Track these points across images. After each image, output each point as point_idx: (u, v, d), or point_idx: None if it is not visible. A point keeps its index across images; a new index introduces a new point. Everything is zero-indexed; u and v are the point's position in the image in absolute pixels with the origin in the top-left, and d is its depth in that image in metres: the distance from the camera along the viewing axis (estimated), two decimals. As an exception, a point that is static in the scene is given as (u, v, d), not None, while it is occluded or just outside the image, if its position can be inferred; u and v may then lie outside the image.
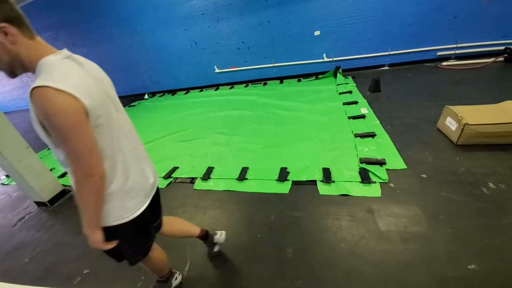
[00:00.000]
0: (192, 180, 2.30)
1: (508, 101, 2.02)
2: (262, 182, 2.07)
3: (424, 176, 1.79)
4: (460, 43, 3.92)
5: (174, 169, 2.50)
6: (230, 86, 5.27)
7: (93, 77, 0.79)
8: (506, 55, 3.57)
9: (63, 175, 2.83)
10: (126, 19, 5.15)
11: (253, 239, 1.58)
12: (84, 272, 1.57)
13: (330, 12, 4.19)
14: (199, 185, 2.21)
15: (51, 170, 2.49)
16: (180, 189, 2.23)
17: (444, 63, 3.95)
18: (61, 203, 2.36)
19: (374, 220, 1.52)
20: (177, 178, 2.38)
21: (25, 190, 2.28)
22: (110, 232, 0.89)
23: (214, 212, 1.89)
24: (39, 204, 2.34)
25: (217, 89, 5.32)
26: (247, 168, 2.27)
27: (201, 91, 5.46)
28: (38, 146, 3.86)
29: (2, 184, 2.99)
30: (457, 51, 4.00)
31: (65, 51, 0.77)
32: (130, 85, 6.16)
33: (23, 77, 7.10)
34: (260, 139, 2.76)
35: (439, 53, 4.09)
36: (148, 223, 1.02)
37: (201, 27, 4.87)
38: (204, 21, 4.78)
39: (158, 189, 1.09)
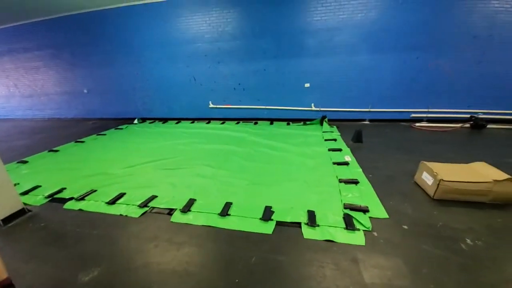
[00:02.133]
0: (170, 211, 2.16)
1: (477, 162, 2.24)
2: (245, 220, 1.98)
3: (405, 227, 1.81)
4: (431, 108, 4.46)
5: (152, 197, 2.35)
6: (222, 122, 5.42)
7: None
8: (471, 122, 4.09)
9: (27, 192, 2.57)
10: (132, 48, 5.46)
11: (230, 284, 1.43)
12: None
13: (319, 70, 4.72)
14: (177, 217, 2.07)
15: (15, 185, 2.26)
16: (155, 220, 2.07)
17: (417, 124, 4.40)
18: (17, 223, 2.07)
19: (359, 271, 1.46)
20: (153, 207, 2.23)
21: (-23, 205, 2.00)
22: None
23: (189, 249, 1.73)
24: (-10, 222, 2.04)
25: (208, 122, 5.44)
26: (231, 203, 2.19)
27: (192, 122, 5.55)
28: (7, 158, 3.58)
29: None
30: (429, 115, 4.52)
31: None
32: (122, 108, 6.18)
33: (11, 87, 6.96)
34: (247, 175, 2.74)
35: (413, 115, 4.60)
36: None
37: (203, 66, 5.23)
38: (206, 61, 5.17)
39: None
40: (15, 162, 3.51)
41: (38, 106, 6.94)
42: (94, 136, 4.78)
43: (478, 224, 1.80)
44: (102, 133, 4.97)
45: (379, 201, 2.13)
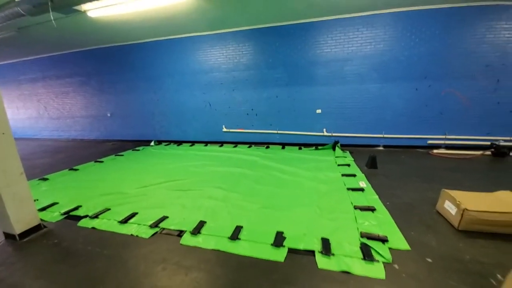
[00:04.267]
0: (180, 233, 2.13)
1: (502, 191, 2.10)
2: (256, 245, 1.91)
3: (429, 260, 1.67)
4: (448, 135, 4.35)
5: (163, 218, 2.35)
6: (234, 145, 5.52)
7: None
8: (493, 149, 3.91)
9: (45, 208, 2.65)
10: (154, 77, 5.91)
11: (239, 314, 1.35)
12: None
13: (331, 97, 4.83)
14: (186, 240, 2.03)
15: (34, 201, 2.34)
16: (164, 242, 2.04)
17: (435, 151, 4.27)
18: (32, 238, 2.12)
19: (379, 308, 1.33)
20: (164, 229, 2.21)
21: (-1, 218, 2.09)
22: None
23: (197, 274, 1.67)
24: (7, 236, 2.09)
25: (221, 145, 5.55)
26: (241, 227, 2.14)
27: (206, 145, 5.69)
28: (30, 175, 3.76)
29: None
30: (447, 142, 4.38)
31: None
32: (140, 131, 6.49)
33: (40, 109, 7.56)
34: (258, 199, 2.71)
35: (430, 141, 4.48)
36: None
37: (218, 93, 5.51)
38: (221, 89, 5.46)
39: None
40: (37, 179, 3.68)
41: (64, 127, 7.44)
42: (112, 156, 4.98)
43: (507, 259, 1.63)
44: (120, 153, 5.18)
45: (399, 230, 2.00)
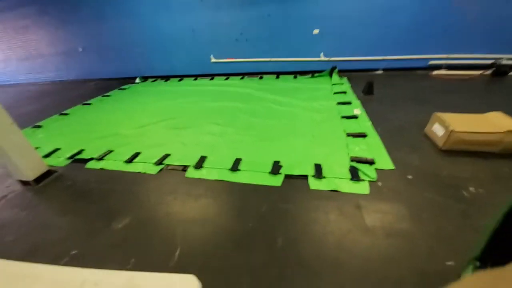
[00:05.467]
0: (184, 168, 2.28)
1: (492, 112, 2.15)
2: (255, 174, 2.09)
3: (410, 177, 1.88)
4: (451, 54, 4.09)
5: (166, 156, 2.47)
6: (225, 77, 5.21)
7: None
8: (493, 68, 3.75)
9: (48, 155, 2.73)
10: (122, -2, 4.94)
11: (244, 228, 1.61)
12: (72, 253, 1.53)
13: (330, 12, 4.22)
14: (191, 173, 2.20)
15: (36, 149, 2.38)
16: (171, 177, 2.21)
17: (434, 72, 4.11)
18: (46, 183, 2.27)
19: (361, 216, 1.59)
20: (168, 165, 2.36)
21: (8, 168, 2.17)
22: None
23: (206, 200, 1.89)
24: (23, 183, 2.24)
25: (212, 79, 5.25)
26: (240, 159, 2.28)
27: (195, 79, 5.37)
28: (21, 123, 3.68)
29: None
30: (448, 62, 4.16)
31: None
32: (121, 67, 5.96)
33: (5, 50, 6.69)
34: (254, 132, 2.78)
35: (431, 62, 4.25)
36: None
37: (200, 15, 4.76)
38: (202, 8, 4.68)
39: None
40: (30, 127, 3.63)
41: (37, 69, 6.76)
42: (99, 97, 4.76)
43: (482, 173, 1.83)
44: (106, 94, 4.93)
45: (386, 153, 2.16)
